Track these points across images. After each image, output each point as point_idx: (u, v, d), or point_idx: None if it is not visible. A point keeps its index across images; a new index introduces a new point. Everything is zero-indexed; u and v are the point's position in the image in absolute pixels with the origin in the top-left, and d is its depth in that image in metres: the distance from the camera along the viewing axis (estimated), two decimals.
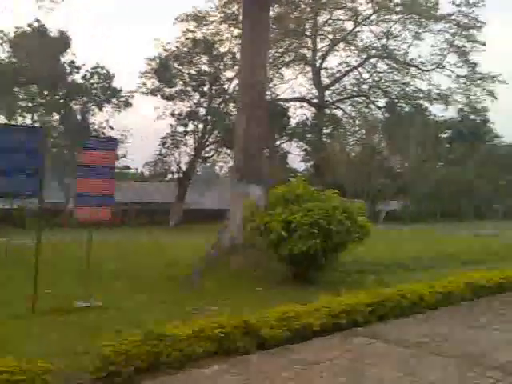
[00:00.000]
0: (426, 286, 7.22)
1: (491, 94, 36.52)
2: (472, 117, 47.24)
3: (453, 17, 34.31)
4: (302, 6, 32.95)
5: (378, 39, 36.56)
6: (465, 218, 38.81)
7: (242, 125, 11.67)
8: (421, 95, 37.23)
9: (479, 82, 36.13)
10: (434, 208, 40.92)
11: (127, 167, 38.39)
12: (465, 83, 36.61)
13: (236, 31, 28.86)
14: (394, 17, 35.01)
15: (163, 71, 30.35)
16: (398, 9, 34.08)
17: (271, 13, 29.77)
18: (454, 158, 43.71)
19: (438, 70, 36.42)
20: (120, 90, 33.52)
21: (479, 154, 44.95)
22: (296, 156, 40.57)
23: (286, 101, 38.04)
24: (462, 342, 5.55)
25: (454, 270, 10.15)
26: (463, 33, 34.70)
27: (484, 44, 34.63)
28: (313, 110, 39.13)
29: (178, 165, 32.35)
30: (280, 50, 35.17)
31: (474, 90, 36.79)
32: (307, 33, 36.57)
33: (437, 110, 46.89)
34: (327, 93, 39.37)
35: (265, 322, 5.22)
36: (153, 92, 30.97)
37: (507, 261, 11.76)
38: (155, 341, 4.38)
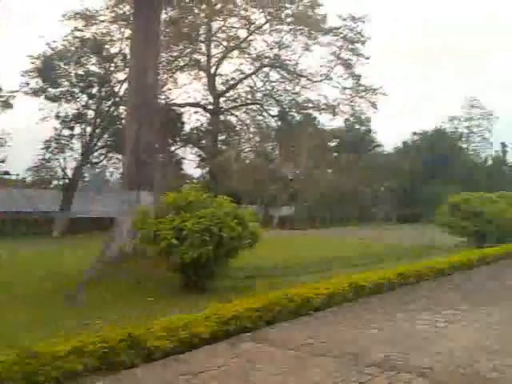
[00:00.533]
0: (312, 289, 7.50)
1: (374, 105, 39.21)
2: (357, 126, 50.58)
3: (340, 30, 36.32)
4: (196, 11, 32.95)
5: (271, 49, 37.62)
6: (351, 222, 41.25)
7: (132, 129, 11.32)
8: (310, 105, 38.86)
9: (363, 93, 38.58)
10: (323, 213, 42.99)
11: (7, 173, 35.39)
12: (350, 94, 38.88)
13: (127, 32, 27.97)
14: (286, 27, 36.24)
15: (47, 70, 28.48)
16: (288, 20, 35.33)
17: (164, 16, 29.37)
18: (341, 166, 46.35)
19: (326, 81, 38.27)
20: None
21: (363, 162, 48.19)
22: (192, 162, 40.32)
23: (181, 106, 37.69)
24: (345, 341, 5.83)
25: (340, 271, 10.68)
26: (349, 46, 36.87)
27: (368, 58, 37.13)
28: (208, 115, 39.19)
29: (63, 170, 30.52)
30: (174, 54, 34.76)
31: (359, 102, 39.23)
32: (201, 38, 36.59)
33: (325, 120, 49.39)
34: (222, 99, 39.66)
35: (151, 334, 5.09)
36: (36, 92, 28.92)
37: (386, 262, 12.65)
38: (29, 360, 4.05)
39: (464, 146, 62.24)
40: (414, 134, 57.06)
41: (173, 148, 38.04)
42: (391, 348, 5.50)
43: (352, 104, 39.28)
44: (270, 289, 7.86)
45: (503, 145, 60.83)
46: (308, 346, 5.57)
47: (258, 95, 39.79)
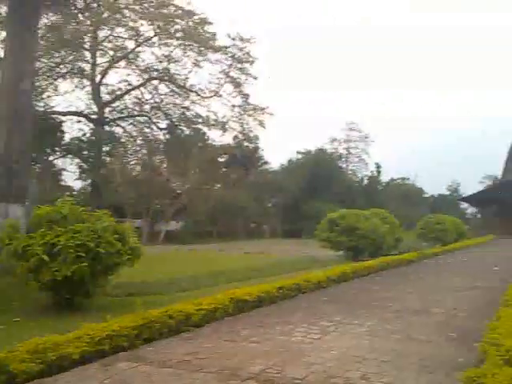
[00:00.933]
0: (193, 305, 7.40)
1: (261, 124, 40.46)
2: (246, 144, 51.79)
3: (229, 49, 37.12)
4: (81, 18, 31.59)
5: (160, 62, 37.28)
6: (239, 237, 41.84)
7: (2, 138, 10.42)
8: (200, 120, 39.10)
9: (251, 112, 39.68)
10: (211, 228, 43.09)
11: None
12: (239, 112, 39.77)
13: (3, 34, 25.92)
14: (175, 42, 36.16)
15: None
16: (178, 35, 35.31)
17: (46, 20, 27.74)
18: (229, 182, 46.98)
19: (215, 97, 38.79)
20: None
21: (252, 178, 49.33)
22: (72, 174, 38.15)
23: (62, 114, 35.70)
24: (224, 356, 5.80)
25: (224, 286, 10.70)
26: (238, 65, 37.79)
27: (256, 78, 38.31)
28: (91, 125, 37.52)
29: None
30: (56, 60, 32.93)
31: (247, 119, 40.25)
32: (86, 46, 35.13)
33: (215, 136, 49.95)
34: (107, 109, 38.32)
35: (15, 356, 4.67)
36: None
37: (268, 275, 12.96)
38: None
39: (343, 165, 66.76)
40: (298, 152, 59.88)
41: (51, 158, 35.76)
42: (268, 361, 5.58)
43: (241, 121, 40.22)
44: (150, 306, 7.60)
45: (377, 165, 66.28)
46: (186, 363, 5.46)
47: (146, 107, 39.13)
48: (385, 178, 68.22)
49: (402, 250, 22.00)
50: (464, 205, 69.65)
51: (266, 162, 56.56)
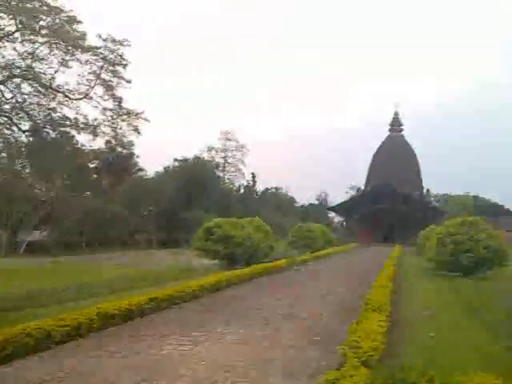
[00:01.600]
0: (55, 321, 6.85)
1: (136, 129, 39.22)
2: (119, 149, 49.91)
3: (100, 50, 35.45)
4: None
5: (23, 59, 34.41)
6: (111, 247, 39.98)
7: None
8: (68, 123, 36.73)
9: (125, 117, 38.28)
10: (80, 239, 40.66)
11: None
12: (112, 116, 38.15)
13: None
14: (40, 39, 33.67)
15: None
16: (43, 31, 32.92)
17: None
18: (101, 189, 44.87)
19: (85, 99, 36.79)
20: None
21: (126, 186, 47.60)
22: None
23: None
24: (89, 373, 5.48)
25: (91, 300, 10.09)
26: (110, 68, 36.25)
27: (129, 81, 37.07)
28: None
29: None
30: None
31: (121, 124, 38.73)
32: None
33: (85, 140, 47.40)
34: None
35: None
36: None
37: (141, 287, 12.50)
38: None
39: (220, 174, 67.62)
40: (176, 160, 59.32)
41: None
42: (136, 376, 5.36)
43: (114, 126, 38.61)
44: (6, 323, 6.88)
45: (253, 175, 68.30)
46: (45, 383, 5.03)
47: (7, 107, 35.77)
48: (260, 187, 70.65)
49: (274, 257, 22.75)
50: (332, 214, 74.59)
51: (141, 169, 55.11)
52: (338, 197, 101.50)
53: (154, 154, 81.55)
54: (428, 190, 63.72)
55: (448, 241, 18.00)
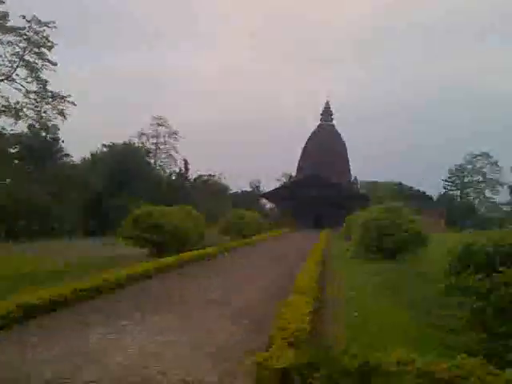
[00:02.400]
0: None
1: (62, 113, 37.57)
2: (43, 134, 47.43)
3: (24, 31, 33.62)
4: None
5: None
6: (35, 238, 38.04)
7: None
8: None
9: (50, 100, 36.57)
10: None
11: None
12: (35, 99, 36.33)
13: None
14: None
15: None
16: None
17: None
18: (23, 175, 42.45)
19: (7, 81, 34.78)
20: None
21: (51, 172, 45.36)
22: None
23: None
24: (7, 367, 5.30)
25: (10, 292, 9.59)
26: (34, 49, 34.47)
27: (55, 64, 35.39)
28: None
29: None
30: None
31: (46, 108, 36.98)
32: None
33: (6, 124, 44.70)
34: None
35: None
36: None
37: (67, 277, 12.00)
38: None
39: (151, 161, 66.18)
40: (104, 146, 57.34)
41: None
42: (61, 366, 5.22)
43: (38, 109, 36.83)
44: None
45: (185, 162, 67.46)
46: None
47: None
48: (193, 174, 69.93)
49: (206, 244, 22.69)
50: (264, 200, 75.49)
51: (66, 155, 52.66)
52: (270, 184, 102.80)
53: (82, 140, 78.39)
54: (356, 178, 66.14)
55: (372, 226, 18.83)
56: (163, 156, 69.96)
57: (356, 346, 4.96)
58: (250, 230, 31.79)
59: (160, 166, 69.03)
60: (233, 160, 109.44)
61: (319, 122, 68.99)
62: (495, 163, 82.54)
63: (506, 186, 79.17)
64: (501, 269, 5.95)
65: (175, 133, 68.48)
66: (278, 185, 75.17)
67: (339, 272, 14.27)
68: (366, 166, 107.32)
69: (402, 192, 75.97)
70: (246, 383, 4.74)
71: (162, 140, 69.27)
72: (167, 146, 69.51)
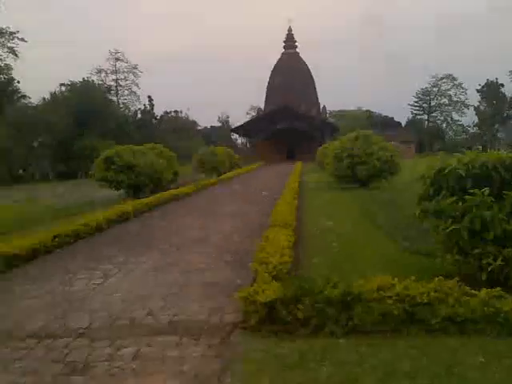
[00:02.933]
0: None
1: (13, 51, 35.53)
2: None
3: None
4: None
5: None
6: (3, 183, 37.18)
7: None
8: None
9: None
10: None
11: None
12: None
13: None
14: None
15: None
16: None
17: None
18: None
19: None
20: None
21: (9, 115, 43.53)
22: None
23: None
24: None
25: None
26: None
27: None
28: None
29: None
30: None
31: None
32: None
33: None
34: None
35: None
36: None
37: (43, 224, 11.87)
38: None
39: (114, 99, 63.89)
40: (62, 85, 54.96)
41: None
42: (49, 315, 5.25)
43: None
44: None
45: (150, 98, 65.46)
46: None
47: None
48: (158, 111, 68.19)
49: (180, 183, 22.61)
50: (235, 135, 74.81)
51: (23, 96, 50.35)
52: (240, 118, 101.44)
53: (38, 79, 74.79)
54: (324, 107, 65.83)
55: (344, 155, 19.03)
56: (126, 93, 67.67)
57: (337, 275, 5.12)
58: (225, 167, 31.74)
59: (123, 103, 66.90)
60: (199, 94, 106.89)
61: (283, 50, 67.27)
62: (460, 85, 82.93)
63: (471, 108, 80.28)
64: (473, 191, 6.14)
65: (135, 67, 65.84)
66: (247, 118, 74.28)
67: (316, 202, 14.51)
68: (333, 94, 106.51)
69: (371, 120, 76.31)
70: (234, 318, 4.89)
71: (121, 76, 66.68)
72: (128, 81, 67.04)
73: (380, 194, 15.82)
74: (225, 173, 30.13)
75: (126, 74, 66.52)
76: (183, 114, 72.03)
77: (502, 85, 74.76)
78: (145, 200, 14.75)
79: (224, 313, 5.09)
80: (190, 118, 73.16)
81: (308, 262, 7.00)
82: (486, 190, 6.09)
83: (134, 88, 67.05)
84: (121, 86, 66.97)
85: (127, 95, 67.61)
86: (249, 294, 4.70)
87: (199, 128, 77.94)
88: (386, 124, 74.93)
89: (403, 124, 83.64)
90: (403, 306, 4.46)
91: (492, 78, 75.57)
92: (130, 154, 18.73)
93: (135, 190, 18.83)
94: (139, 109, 65.65)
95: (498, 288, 4.64)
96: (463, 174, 6.57)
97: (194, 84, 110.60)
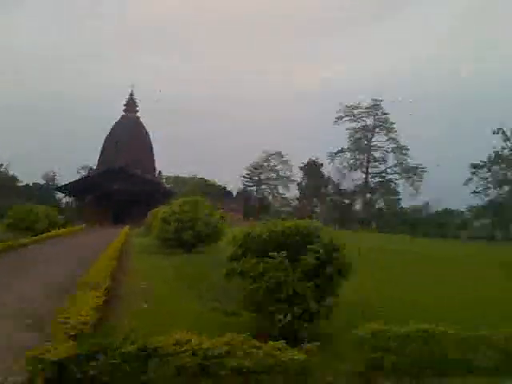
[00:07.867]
0: None
1: None
2: None
3: None
4: None
5: None
6: None
7: None
8: None
9: None
10: None
11: None
12: None
13: None
14: None
15: None
16: None
17: None
18: None
19: None
20: None
21: None
22: None
23: None
24: None
25: None
26: None
27: None
28: None
29: None
30: None
31: None
32: None
33: None
34: None
35: None
36: None
37: None
38: None
39: None
40: None
41: None
42: None
43: None
44: None
45: None
46: None
47: None
48: None
49: None
50: (60, 194, 70.21)
51: None
52: (68, 177, 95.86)
53: None
54: (160, 172, 66.20)
55: (172, 219, 19.28)
56: None
57: (140, 333, 5.12)
58: (43, 226, 29.49)
59: None
60: (25, 150, 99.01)
61: (123, 114, 67.10)
62: (286, 162, 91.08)
63: (295, 183, 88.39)
64: (271, 254, 6.77)
65: None
66: (77, 178, 70.75)
67: (136, 265, 14.29)
68: (171, 160, 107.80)
69: (205, 187, 78.98)
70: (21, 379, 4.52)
71: None
72: None
73: (203, 257, 16.27)
74: (43, 233, 27.90)
75: None
76: (2, 169, 65.71)
77: (322, 164, 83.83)
78: None
79: (12, 375, 4.68)
80: (10, 173, 67.01)
81: (116, 322, 6.84)
82: (284, 253, 6.81)
83: None
84: None
85: None
86: (40, 352, 4.44)
87: (20, 184, 71.65)
88: (218, 192, 78.17)
89: (234, 194, 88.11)
90: (197, 359, 4.62)
91: (314, 157, 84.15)
92: None
93: None
94: None
95: (282, 340, 5.07)
96: (267, 238, 7.25)
97: (21, 138, 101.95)
